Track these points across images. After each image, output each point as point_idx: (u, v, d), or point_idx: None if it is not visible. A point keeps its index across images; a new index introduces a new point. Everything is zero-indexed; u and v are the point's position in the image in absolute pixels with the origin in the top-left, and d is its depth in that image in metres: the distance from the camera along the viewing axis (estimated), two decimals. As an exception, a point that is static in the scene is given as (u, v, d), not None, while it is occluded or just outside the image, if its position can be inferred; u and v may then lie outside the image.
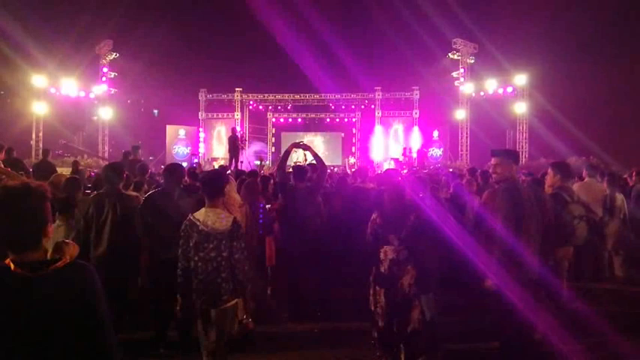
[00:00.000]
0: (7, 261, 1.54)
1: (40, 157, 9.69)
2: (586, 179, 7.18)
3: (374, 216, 3.70)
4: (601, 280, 6.49)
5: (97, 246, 4.13)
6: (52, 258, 1.58)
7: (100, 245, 4.13)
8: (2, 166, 5.18)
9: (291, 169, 6.40)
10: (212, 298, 3.18)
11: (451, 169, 13.72)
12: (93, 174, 10.16)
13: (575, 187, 6.96)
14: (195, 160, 18.64)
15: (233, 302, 3.23)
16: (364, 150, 22.49)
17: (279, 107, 22.92)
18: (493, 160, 3.85)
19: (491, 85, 19.02)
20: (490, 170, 3.99)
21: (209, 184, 3.39)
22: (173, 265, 3.87)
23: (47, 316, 1.49)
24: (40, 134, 17.40)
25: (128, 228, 4.14)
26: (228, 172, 9.77)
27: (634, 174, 8.58)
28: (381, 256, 3.58)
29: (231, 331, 3.31)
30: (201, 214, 3.25)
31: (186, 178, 5.76)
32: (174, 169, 4.45)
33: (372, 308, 3.68)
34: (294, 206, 5.06)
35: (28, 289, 1.50)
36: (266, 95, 22.12)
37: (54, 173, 8.02)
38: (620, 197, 6.75)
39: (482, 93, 19.49)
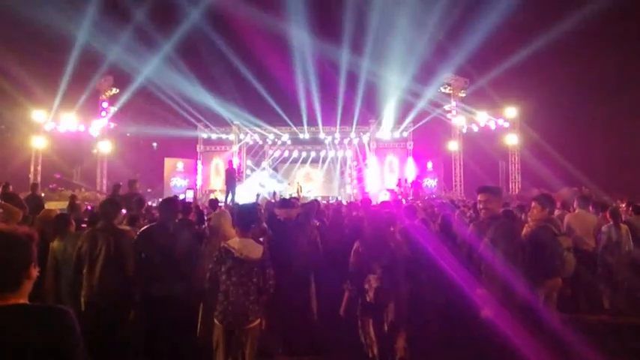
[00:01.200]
0: None
1: (30, 191, 9.73)
2: (577, 210, 7.25)
3: (356, 245, 3.80)
4: (597, 311, 6.45)
5: (89, 281, 4.14)
6: (31, 303, 1.60)
7: (92, 281, 4.13)
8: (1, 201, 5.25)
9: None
10: (239, 320, 3.48)
11: (444, 200, 13.83)
12: (89, 207, 10.20)
13: (567, 218, 7.05)
14: (190, 194, 18.64)
15: (257, 322, 3.56)
16: (360, 181, 22.69)
17: (277, 140, 23.21)
18: (482, 197, 3.96)
19: (482, 118, 19.45)
20: (480, 206, 4.10)
21: (242, 217, 3.79)
22: (168, 303, 3.91)
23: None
24: (39, 168, 17.53)
25: (122, 263, 4.15)
26: (221, 204, 9.86)
27: (625, 205, 8.65)
28: (366, 285, 3.66)
29: (254, 349, 3.58)
30: (235, 243, 3.59)
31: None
32: (169, 203, 4.53)
33: (363, 340, 3.70)
34: (284, 240, 5.11)
35: (3, 333, 1.50)
36: (263, 129, 22.45)
37: (42, 207, 8.08)
38: (624, 228, 6.78)
39: (473, 125, 19.88)
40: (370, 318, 3.65)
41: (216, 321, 3.56)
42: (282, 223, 5.38)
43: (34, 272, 1.66)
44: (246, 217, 3.78)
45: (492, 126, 19.41)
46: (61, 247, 4.44)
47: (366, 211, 6.05)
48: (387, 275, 3.63)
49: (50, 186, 16.63)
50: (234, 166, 15.94)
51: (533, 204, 5.01)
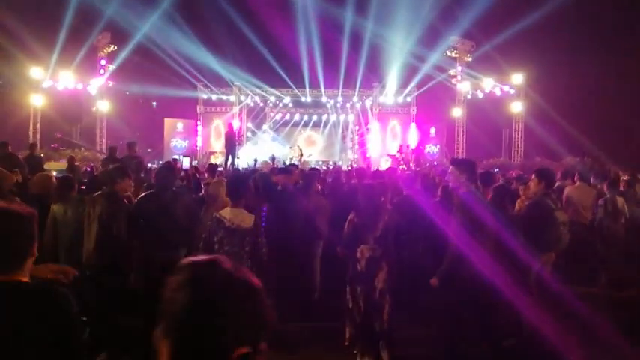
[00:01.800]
0: None
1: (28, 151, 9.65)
2: (577, 183, 7.28)
3: (351, 216, 3.91)
4: (592, 283, 6.50)
5: (87, 245, 4.20)
6: (31, 281, 1.64)
7: (90, 244, 4.19)
8: None
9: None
10: None
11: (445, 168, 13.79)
12: (90, 168, 10.21)
13: (567, 190, 7.08)
14: (186, 162, 18.49)
15: None
16: (362, 146, 22.56)
17: (278, 103, 22.91)
18: (451, 169, 4.20)
19: (488, 83, 19.08)
20: (447, 177, 4.37)
21: (233, 187, 3.86)
22: (168, 268, 3.96)
23: (19, 338, 1.52)
24: (38, 126, 17.41)
25: (118, 229, 4.19)
26: (220, 169, 9.81)
27: (627, 177, 8.64)
28: (358, 254, 3.80)
29: None
30: (227, 213, 3.66)
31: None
32: (167, 170, 4.53)
33: (350, 306, 3.83)
34: (283, 208, 5.06)
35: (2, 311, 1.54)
36: (264, 90, 22.12)
37: (41, 167, 8.06)
38: (620, 200, 6.79)
39: (479, 91, 19.56)
40: (359, 286, 3.78)
41: None
42: (280, 191, 5.34)
43: (35, 250, 1.69)
44: (237, 187, 3.82)
45: (497, 92, 19.07)
46: (61, 210, 4.47)
47: (359, 183, 6.04)
48: (379, 245, 3.73)
49: (52, 146, 16.60)
50: (235, 129, 15.82)
51: (532, 177, 4.99)
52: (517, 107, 18.67)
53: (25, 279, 1.65)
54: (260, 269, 3.64)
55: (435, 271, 4.78)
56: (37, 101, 17.37)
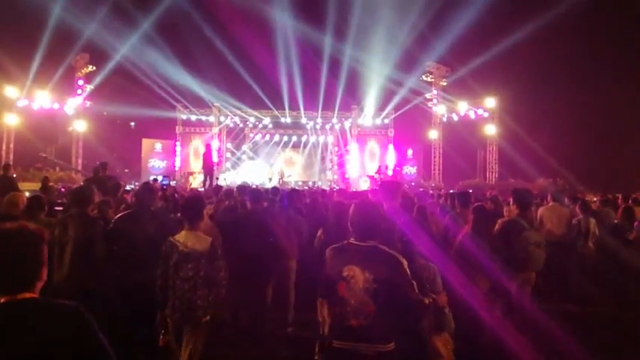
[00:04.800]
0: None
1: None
2: (550, 203, 7.49)
3: (319, 233, 3.86)
4: (568, 301, 6.62)
5: (59, 268, 4.06)
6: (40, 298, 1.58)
7: (62, 268, 4.05)
8: None
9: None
10: (187, 314, 3.37)
11: (423, 189, 14.00)
12: (64, 189, 9.99)
13: (540, 210, 7.27)
14: (165, 182, 18.29)
15: (206, 318, 3.44)
16: (341, 166, 22.75)
17: (258, 124, 23.00)
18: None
19: (462, 107, 19.66)
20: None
21: (189, 208, 3.62)
22: (144, 291, 3.88)
23: (34, 354, 1.48)
24: (11, 146, 17.02)
25: (91, 251, 4.07)
26: (201, 189, 9.76)
27: (598, 199, 8.94)
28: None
29: (201, 344, 3.47)
30: (181, 236, 3.46)
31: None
32: (144, 192, 4.47)
33: (320, 319, 3.82)
34: (245, 229, 4.89)
35: (19, 328, 1.48)
36: (244, 111, 22.20)
37: (15, 188, 7.83)
38: (592, 222, 7.00)
39: (454, 114, 20.09)
40: (325, 298, 3.76)
41: (167, 317, 3.46)
42: (246, 211, 5.25)
43: (45, 273, 1.63)
44: (193, 208, 3.62)
45: (472, 115, 19.64)
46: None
47: (329, 202, 6.12)
48: None
49: (37, 165, 16.26)
50: (213, 150, 15.76)
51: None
52: (491, 130, 19.23)
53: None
54: (218, 294, 3.47)
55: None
56: (10, 120, 17.02)
